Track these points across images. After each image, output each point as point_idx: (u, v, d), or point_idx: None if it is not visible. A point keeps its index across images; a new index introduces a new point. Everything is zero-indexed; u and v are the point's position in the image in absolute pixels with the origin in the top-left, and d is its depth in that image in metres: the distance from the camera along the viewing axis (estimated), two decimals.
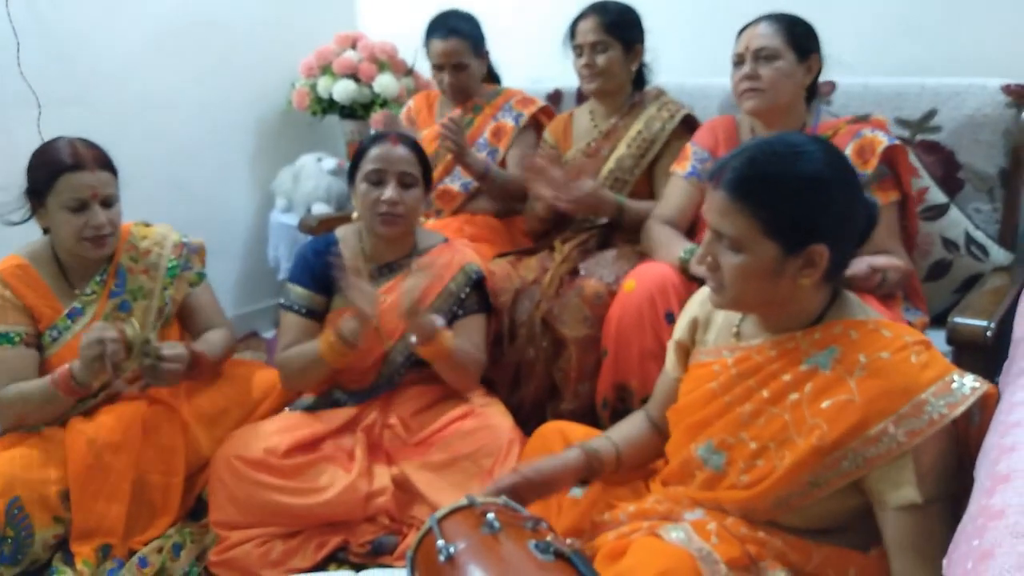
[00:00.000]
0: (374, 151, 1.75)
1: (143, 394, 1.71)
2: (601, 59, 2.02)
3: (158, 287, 1.77)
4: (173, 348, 1.62)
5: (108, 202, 1.65)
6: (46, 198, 1.61)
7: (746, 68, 1.72)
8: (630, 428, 1.43)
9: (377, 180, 1.74)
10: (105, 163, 1.66)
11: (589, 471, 1.34)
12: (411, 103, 2.56)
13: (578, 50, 2.05)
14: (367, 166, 1.75)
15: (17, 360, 1.63)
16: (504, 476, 1.29)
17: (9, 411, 1.62)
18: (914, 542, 1.03)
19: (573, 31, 2.06)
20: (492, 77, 2.48)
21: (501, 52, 2.47)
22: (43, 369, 1.68)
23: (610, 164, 2.07)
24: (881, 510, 1.06)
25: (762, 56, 1.70)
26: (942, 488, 1.04)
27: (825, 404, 1.09)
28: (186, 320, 1.86)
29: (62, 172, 1.59)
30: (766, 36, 1.70)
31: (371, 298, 1.63)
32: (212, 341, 1.82)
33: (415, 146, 1.80)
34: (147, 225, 1.84)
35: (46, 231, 1.72)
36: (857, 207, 1.14)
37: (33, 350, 1.66)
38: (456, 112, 2.36)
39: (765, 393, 1.16)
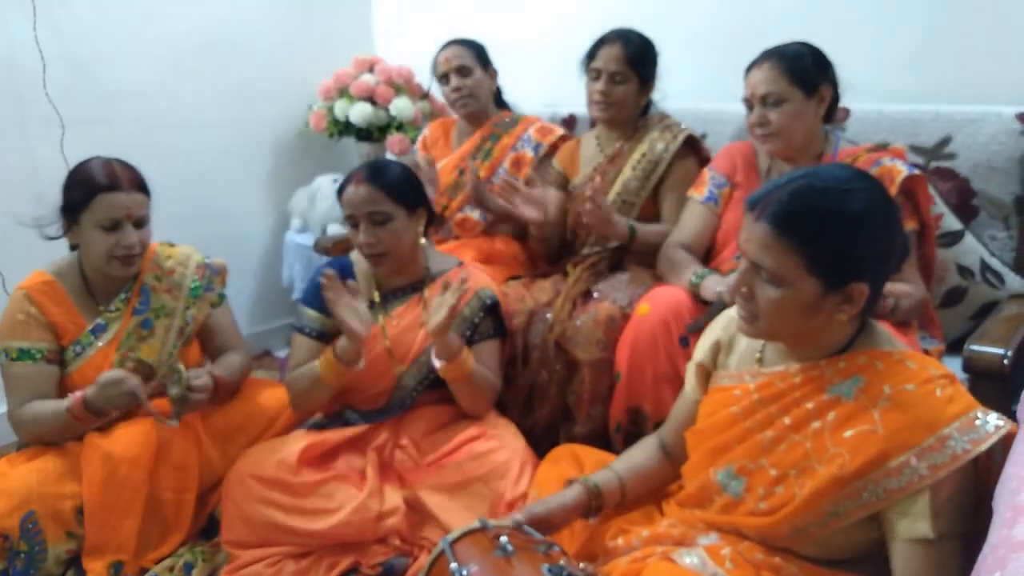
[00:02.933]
0: (344, 193, 1.73)
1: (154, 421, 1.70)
2: (619, 90, 2.05)
3: (180, 307, 1.79)
4: (200, 377, 1.65)
5: (140, 223, 1.69)
6: (80, 215, 1.64)
7: (755, 114, 1.72)
8: (637, 457, 1.41)
9: (353, 223, 1.74)
10: (140, 185, 1.70)
11: (589, 509, 1.33)
12: (427, 131, 2.58)
13: (594, 73, 2.07)
14: (343, 209, 1.74)
15: (38, 377, 1.65)
16: (513, 515, 1.28)
17: (27, 430, 1.65)
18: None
19: (594, 53, 2.07)
20: (502, 103, 2.50)
21: (516, 78, 2.50)
22: (63, 384, 1.70)
23: (616, 188, 2.09)
24: (892, 541, 1.05)
25: (769, 102, 1.69)
26: (957, 525, 1.03)
27: (848, 434, 1.08)
28: (205, 340, 1.88)
29: (99, 191, 1.63)
30: (769, 80, 1.69)
31: (362, 317, 1.63)
32: (231, 364, 1.84)
33: (386, 178, 1.71)
34: (171, 245, 1.87)
35: (73, 247, 1.75)
36: (897, 242, 1.13)
37: (54, 366, 1.68)
38: (475, 137, 2.37)
39: (787, 420, 1.15)
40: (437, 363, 1.69)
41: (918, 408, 1.05)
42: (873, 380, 1.09)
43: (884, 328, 1.20)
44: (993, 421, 1.03)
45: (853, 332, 1.15)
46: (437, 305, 1.64)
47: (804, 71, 1.69)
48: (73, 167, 1.69)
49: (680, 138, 2.07)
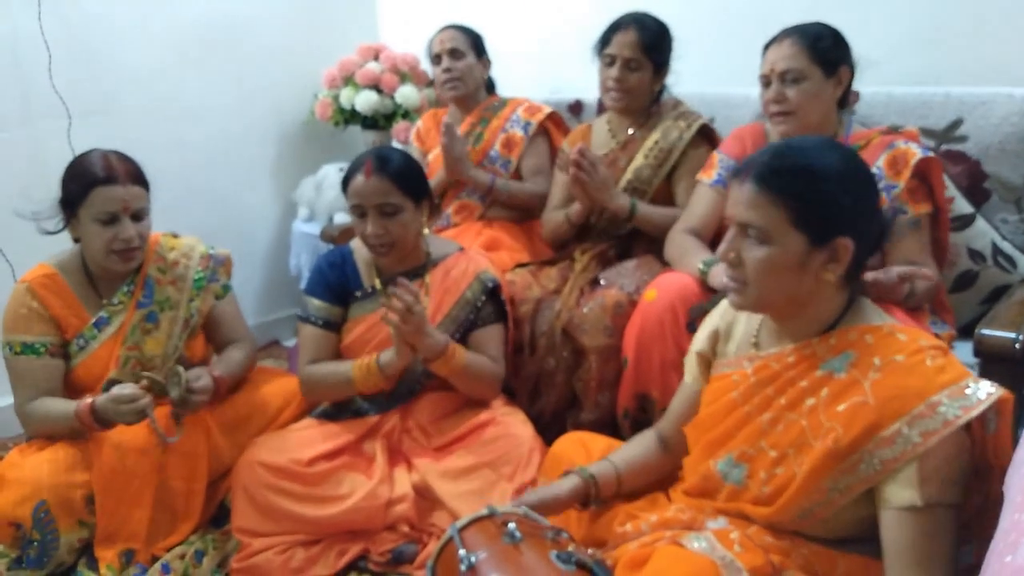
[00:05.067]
0: (353, 183, 1.72)
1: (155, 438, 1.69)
2: (633, 78, 2.02)
3: (184, 298, 1.79)
4: (200, 379, 1.64)
5: (139, 216, 1.68)
6: (78, 209, 1.64)
7: (772, 91, 1.70)
8: (635, 450, 1.42)
9: (359, 214, 1.73)
10: (138, 177, 1.68)
11: (586, 495, 1.34)
12: (419, 123, 2.59)
13: (608, 59, 2.03)
14: (350, 199, 1.73)
15: (42, 371, 1.66)
16: (508, 506, 1.29)
17: (35, 427, 1.66)
18: (910, 545, 1.02)
19: (608, 39, 2.03)
20: (492, 93, 2.50)
21: (522, 64, 2.49)
22: (69, 378, 1.70)
23: (628, 175, 2.07)
24: (882, 510, 1.06)
25: (788, 79, 1.67)
26: (946, 495, 1.03)
27: (841, 407, 1.09)
28: (210, 332, 1.87)
29: (95, 185, 1.61)
30: (790, 57, 1.67)
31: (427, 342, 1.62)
32: (232, 360, 1.84)
33: (395, 169, 1.70)
34: (175, 236, 1.86)
35: (76, 240, 1.74)
36: (877, 205, 1.15)
37: (59, 360, 1.69)
38: (465, 124, 2.37)
39: (783, 400, 1.16)
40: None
41: (908, 377, 1.05)
42: (863, 353, 1.10)
43: (873, 303, 1.21)
44: (985, 388, 1.03)
45: (842, 307, 1.16)
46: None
47: (826, 50, 1.67)
48: (71, 160, 1.68)
49: (694, 127, 2.05)
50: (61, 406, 1.62)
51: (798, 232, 1.10)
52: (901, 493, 1.03)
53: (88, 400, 1.59)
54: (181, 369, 1.64)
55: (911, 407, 1.03)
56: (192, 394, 1.62)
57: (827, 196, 1.09)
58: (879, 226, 1.17)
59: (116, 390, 1.56)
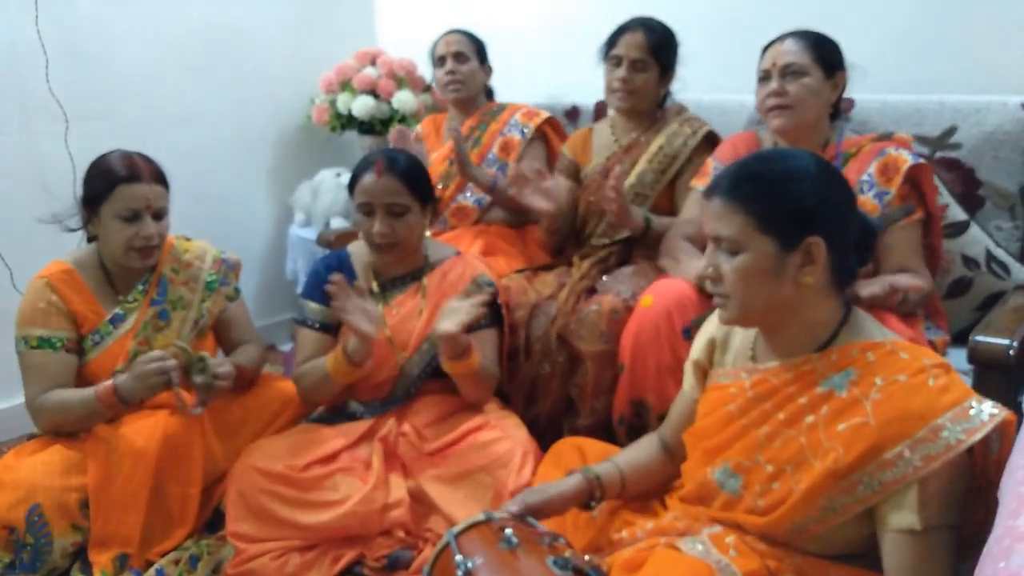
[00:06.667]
0: (362, 181, 1.73)
1: (177, 408, 1.69)
2: (639, 79, 2.03)
3: (196, 299, 1.82)
4: (223, 365, 1.66)
5: (159, 215, 1.71)
6: (101, 206, 1.67)
7: (773, 84, 1.70)
8: (638, 453, 1.42)
9: (367, 212, 1.74)
10: (160, 177, 1.73)
11: (590, 495, 1.33)
12: (419, 128, 2.61)
13: (615, 61, 2.05)
14: (358, 197, 1.74)
15: (57, 365, 1.67)
16: (508, 503, 1.29)
17: (49, 417, 1.66)
18: (910, 567, 1.02)
19: (615, 41, 2.05)
20: (491, 99, 2.52)
21: (519, 69, 2.51)
22: (81, 373, 1.71)
23: (631, 179, 2.07)
24: (881, 531, 1.06)
25: (789, 72, 1.68)
26: (945, 517, 1.02)
27: (841, 427, 1.07)
28: (220, 333, 1.90)
29: (119, 182, 1.65)
30: (793, 52, 1.68)
31: (372, 317, 1.64)
32: (249, 355, 1.87)
33: (405, 170, 1.74)
34: (188, 240, 1.90)
35: (91, 239, 1.76)
36: (849, 205, 1.16)
37: (73, 355, 1.70)
38: (464, 127, 2.39)
39: (781, 416, 1.15)
40: (443, 362, 1.69)
41: (910, 399, 1.04)
42: (865, 372, 1.09)
43: (871, 316, 1.20)
44: (988, 410, 1.02)
45: (837, 320, 1.15)
46: (450, 309, 1.64)
47: (827, 52, 1.70)
48: (94, 159, 1.71)
49: (700, 133, 2.05)
50: (78, 394, 1.64)
51: (766, 236, 1.10)
52: (901, 517, 1.02)
53: (109, 382, 1.60)
54: (206, 355, 1.65)
55: (914, 431, 1.02)
56: (216, 379, 1.64)
57: (789, 197, 1.11)
58: (858, 227, 1.16)
59: (141, 357, 1.58)
